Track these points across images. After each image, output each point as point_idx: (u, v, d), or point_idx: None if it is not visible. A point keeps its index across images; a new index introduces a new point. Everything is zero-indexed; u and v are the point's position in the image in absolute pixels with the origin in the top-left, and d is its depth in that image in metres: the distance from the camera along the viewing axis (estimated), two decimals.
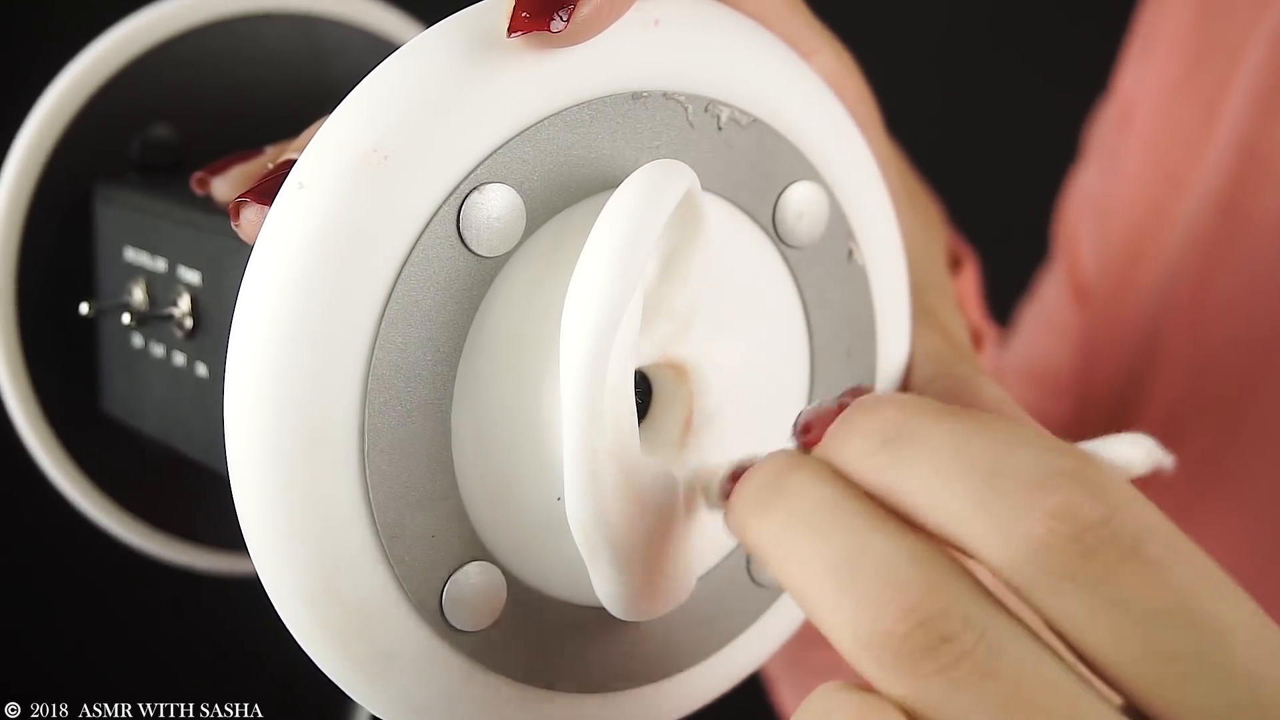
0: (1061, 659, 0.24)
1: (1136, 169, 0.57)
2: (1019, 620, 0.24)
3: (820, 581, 0.25)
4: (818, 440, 0.28)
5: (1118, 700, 0.24)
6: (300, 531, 0.28)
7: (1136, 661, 0.24)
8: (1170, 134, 0.56)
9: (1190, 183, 0.54)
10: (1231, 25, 0.54)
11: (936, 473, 0.25)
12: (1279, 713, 0.23)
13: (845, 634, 0.24)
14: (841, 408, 0.28)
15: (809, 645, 0.56)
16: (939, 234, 0.43)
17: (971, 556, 0.25)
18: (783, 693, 0.60)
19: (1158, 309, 0.53)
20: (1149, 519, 0.24)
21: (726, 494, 0.29)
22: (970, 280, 0.50)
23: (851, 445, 0.27)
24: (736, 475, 0.29)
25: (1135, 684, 0.24)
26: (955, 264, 0.46)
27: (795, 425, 0.29)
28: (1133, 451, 0.27)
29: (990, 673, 0.23)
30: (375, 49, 0.47)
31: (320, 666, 0.30)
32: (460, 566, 0.30)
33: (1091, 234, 0.59)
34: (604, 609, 0.30)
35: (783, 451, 0.28)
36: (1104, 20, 0.62)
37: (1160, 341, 0.53)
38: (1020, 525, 0.24)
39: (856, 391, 0.29)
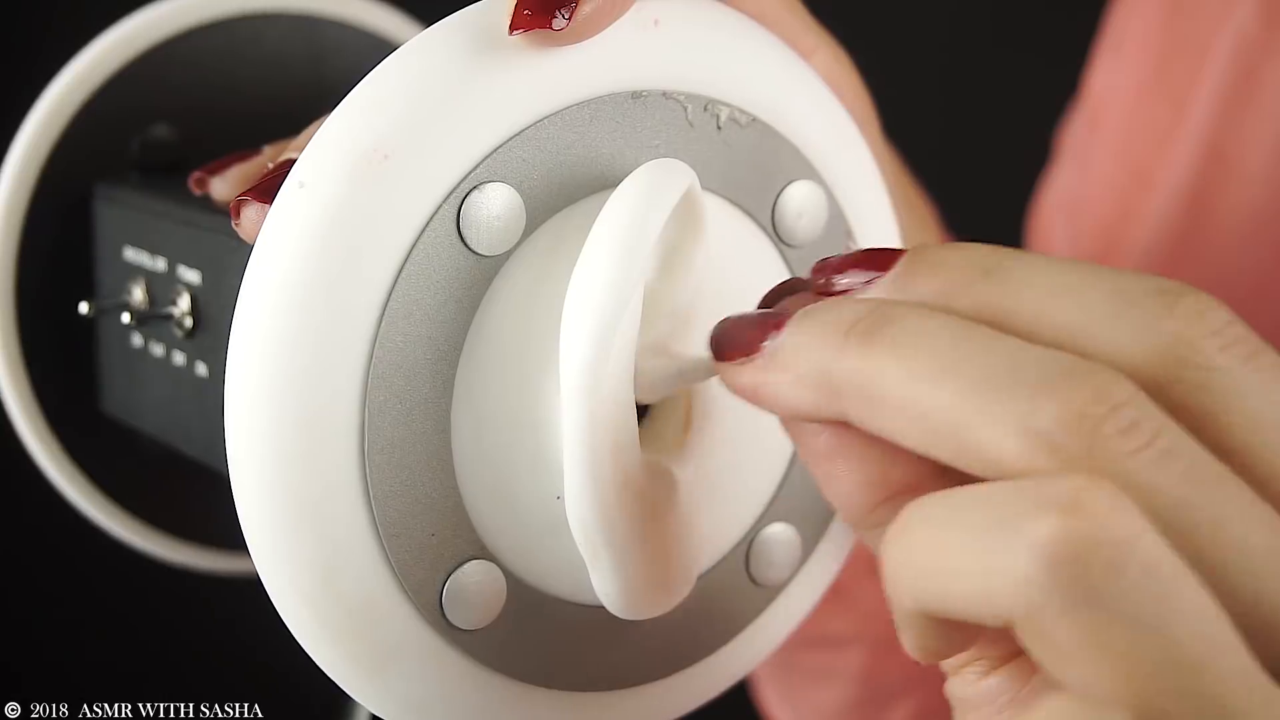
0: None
1: (1106, 168, 0.57)
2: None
3: (968, 391, 0.23)
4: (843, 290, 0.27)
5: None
6: (300, 530, 0.28)
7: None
8: (1139, 133, 0.56)
9: (1158, 181, 0.54)
10: (1199, 24, 0.55)
11: (1055, 292, 0.25)
12: None
13: (1016, 433, 0.23)
14: (861, 258, 0.27)
15: (802, 648, 0.56)
16: (933, 233, 0.43)
17: (1102, 360, 0.24)
18: (769, 696, 0.60)
19: None
20: (1253, 333, 0.25)
21: (754, 335, 0.27)
22: None
23: (943, 279, 0.26)
24: (750, 322, 0.27)
25: None
26: None
27: (789, 289, 0.28)
28: None
29: (1181, 454, 0.23)
30: (374, 49, 0.47)
31: (320, 665, 0.30)
32: (460, 565, 0.30)
33: (1064, 234, 0.59)
34: (604, 607, 0.30)
35: (839, 298, 0.27)
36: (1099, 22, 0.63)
37: None
38: (1159, 324, 0.24)
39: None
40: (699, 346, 0.32)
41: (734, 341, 0.28)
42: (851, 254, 0.28)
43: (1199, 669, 0.21)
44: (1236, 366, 0.24)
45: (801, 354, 0.26)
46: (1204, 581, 0.22)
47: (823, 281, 0.28)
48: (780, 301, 0.28)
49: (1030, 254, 0.26)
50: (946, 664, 0.28)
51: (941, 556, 0.23)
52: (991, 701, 0.27)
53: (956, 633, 0.24)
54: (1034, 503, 0.22)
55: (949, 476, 0.27)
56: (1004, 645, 0.27)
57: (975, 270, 0.26)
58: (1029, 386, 0.23)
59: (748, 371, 0.27)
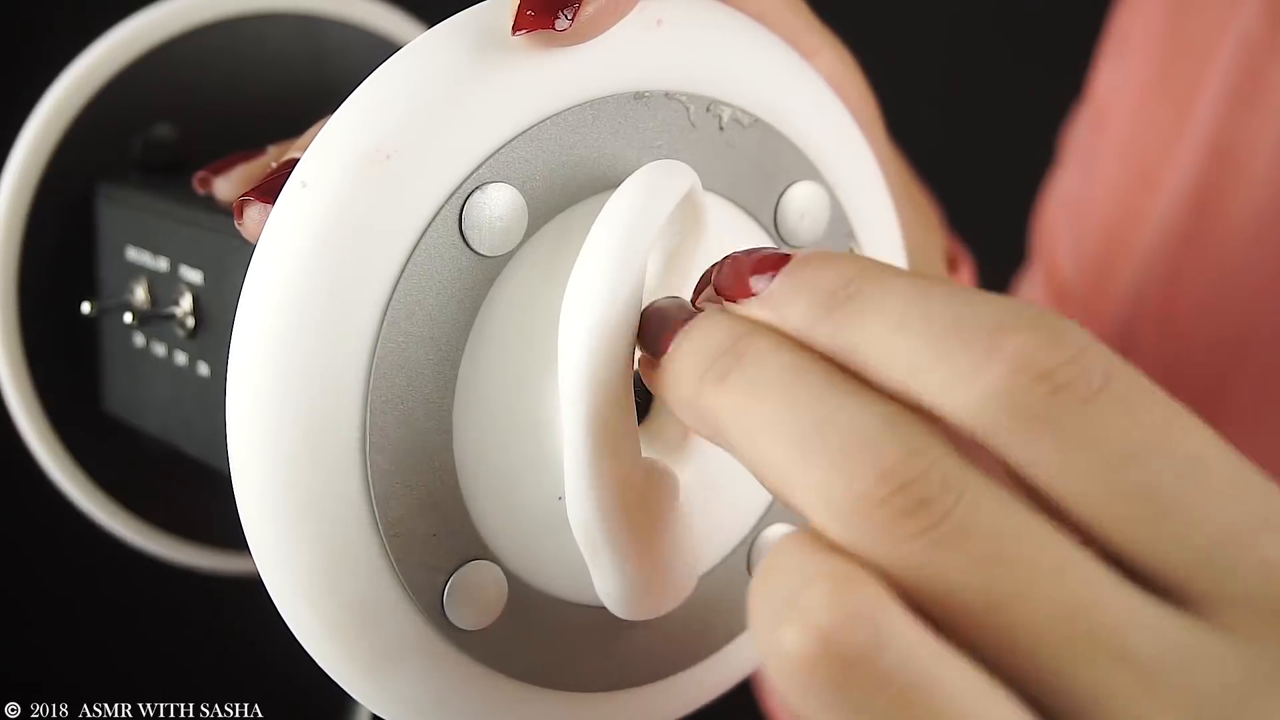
0: (1036, 512, 0.23)
1: (1111, 170, 0.57)
2: (991, 478, 0.24)
3: (788, 449, 0.24)
4: (735, 298, 0.27)
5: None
6: (302, 530, 0.28)
7: (1111, 503, 0.23)
8: (1143, 135, 0.56)
9: (1163, 183, 0.54)
10: (1202, 25, 0.55)
11: (894, 328, 0.24)
12: (1253, 544, 0.23)
13: (816, 502, 0.23)
14: (757, 262, 0.27)
15: None
16: (937, 235, 0.43)
17: (933, 411, 0.24)
18: (773, 696, 0.60)
19: (1131, 308, 0.54)
20: (1113, 360, 0.23)
21: (655, 347, 0.28)
22: (966, 281, 0.50)
23: (800, 306, 0.26)
24: (659, 326, 0.28)
25: (1109, 526, 0.23)
26: (952, 265, 0.46)
27: (709, 280, 0.28)
28: None
29: (970, 532, 0.23)
30: (376, 49, 0.47)
31: (321, 665, 0.30)
32: (461, 565, 0.30)
33: (1068, 236, 0.59)
34: (605, 608, 0.30)
35: (720, 314, 0.27)
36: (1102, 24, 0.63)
37: (1134, 340, 0.53)
38: (985, 370, 0.23)
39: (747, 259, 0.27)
40: None
41: (649, 331, 0.28)
42: (738, 256, 0.28)
43: None
44: (1062, 414, 0.23)
45: (675, 383, 0.27)
46: (974, 660, 0.22)
47: (707, 284, 0.28)
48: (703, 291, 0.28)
49: (889, 275, 0.25)
50: None
51: (751, 614, 0.24)
52: None
53: None
54: (781, 612, 0.23)
55: None
56: None
57: (832, 295, 0.25)
58: (831, 455, 0.23)
59: (653, 369, 0.28)
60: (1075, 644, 0.22)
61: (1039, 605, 0.22)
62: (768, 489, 0.25)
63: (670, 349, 0.27)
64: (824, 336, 0.25)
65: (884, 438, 0.23)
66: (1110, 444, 0.23)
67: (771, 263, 0.27)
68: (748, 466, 0.25)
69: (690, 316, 0.27)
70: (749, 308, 0.27)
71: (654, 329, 0.28)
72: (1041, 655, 0.22)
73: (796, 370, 0.25)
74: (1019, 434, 0.23)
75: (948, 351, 0.24)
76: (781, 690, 0.22)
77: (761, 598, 0.23)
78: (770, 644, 0.22)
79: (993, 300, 0.24)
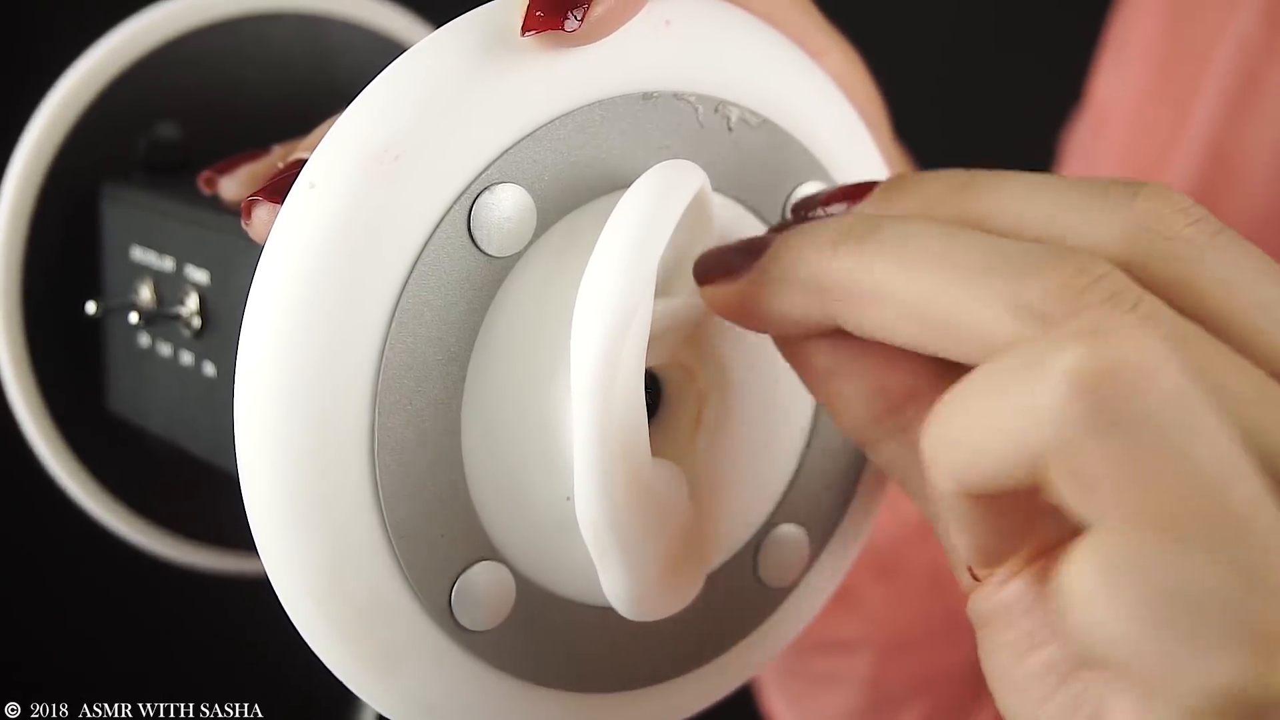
0: None
1: (1110, 173, 0.57)
2: None
3: (961, 275, 0.24)
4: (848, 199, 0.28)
5: None
6: (310, 530, 0.28)
7: (1253, 307, 0.25)
8: (1142, 138, 0.56)
9: None
10: (1201, 30, 0.55)
11: (1024, 195, 0.26)
12: None
13: (1005, 313, 0.24)
14: (839, 192, 0.28)
15: (808, 652, 0.56)
16: None
17: (1075, 247, 0.25)
18: (775, 702, 0.60)
19: None
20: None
21: (749, 248, 0.28)
22: None
23: (921, 196, 0.26)
24: (741, 244, 0.28)
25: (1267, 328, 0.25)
26: None
27: (801, 209, 0.28)
28: None
29: (1164, 318, 0.24)
30: (381, 49, 0.47)
31: (328, 665, 0.30)
32: (469, 566, 0.30)
33: None
34: (612, 609, 0.30)
35: (834, 218, 0.27)
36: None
37: None
38: (1127, 207, 0.25)
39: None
40: (708, 350, 0.32)
41: (719, 265, 0.29)
42: (829, 189, 0.29)
43: (1220, 492, 0.21)
44: (1205, 239, 0.25)
45: (790, 263, 0.27)
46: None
47: (803, 215, 0.29)
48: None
49: (998, 170, 0.27)
50: (965, 582, 0.29)
51: (973, 418, 0.23)
52: (1012, 608, 0.28)
53: (1003, 518, 0.25)
54: (1056, 341, 0.22)
55: (946, 381, 0.27)
56: (1040, 536, 0.27)
57: (950, 185, 0.27)
58: (1015, 269, 0.24)
59: (735, 287, 0.28)
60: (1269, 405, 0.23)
61: (1235, 377, 0.23)
62: (919, 335, 0.25)
63: (776, 241, 0.27)
64: (949, 213, 0.26)
65: (1058, 253, 0.24)
66: (1246, 261, 0.25)
67: (859, 189, 0.28)
68: (890, 316, 0.25)
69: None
70: (862, 207, 0.28)
71: (729, 249, 0.28)
72: (1246, 417, 0.23)
73: (940, 225, 0.25)
74: (1171, 254, 0.25)
75: (1084, 202, 0.25)
76: (1053, 417, 0.21)
77: (1008, 366, 0.22)
78: (1043, 375, 0.21)
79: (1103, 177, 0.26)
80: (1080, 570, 0.21)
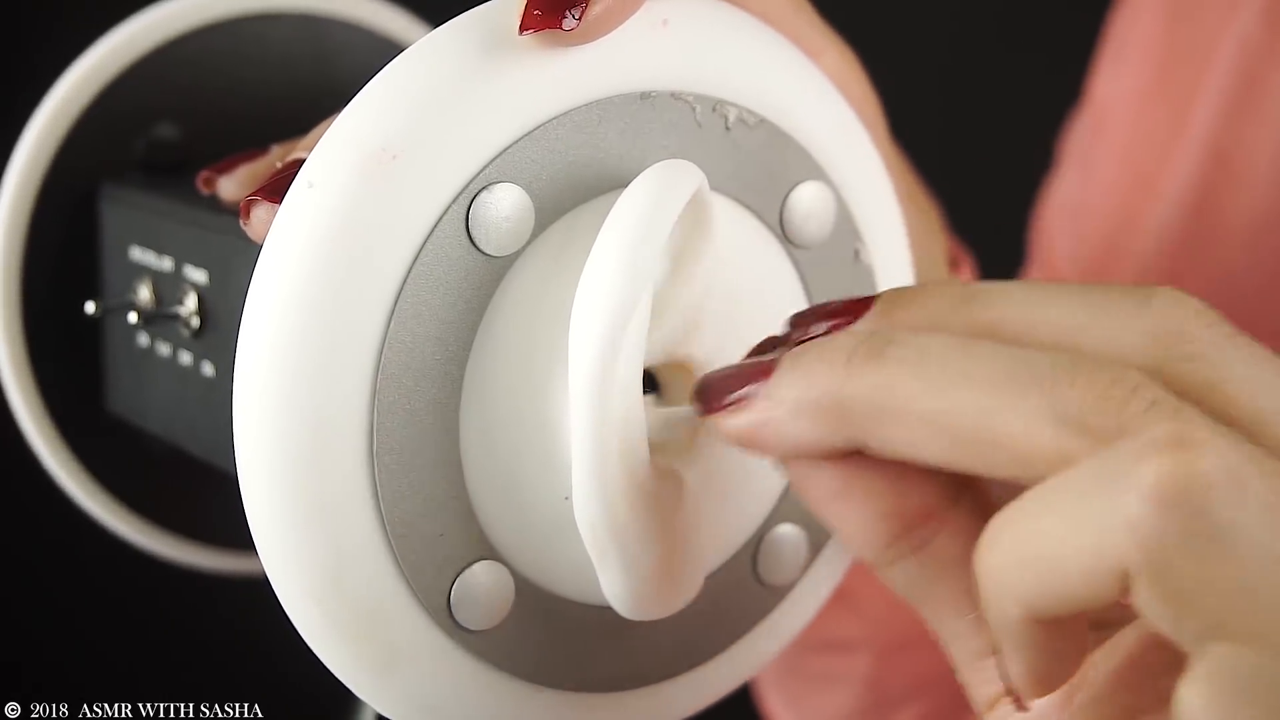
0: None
1: (1109, 174, 0.57)
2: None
3: (989, 389, 0.24)
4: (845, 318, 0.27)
5: None
6: (309, 530, 0.28)
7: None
8: (1142, 139, 0.56)
9: (1161, 187, 0.55)
10: (1200, 31, 0.55)
11: (1038, 302, 0.25)
12: None
13: (1043, 424, 0.23)
14: (841, 310, 0.27)
15: (807, 652, 0.56)
16: (939, 235, 0.43)
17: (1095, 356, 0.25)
18: (774, 702, 0.60)
19: None
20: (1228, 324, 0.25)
21: (752, 375, 0.27)
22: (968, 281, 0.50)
23: (926, 309, 0.26)
24: (741, 368, 0.27)
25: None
26: (953, 265, 0.46)
27: (798, 326, 0.28)
28: None
29: (1202, 424, 0.23)
30: (380, 49, 0.47)
31: (328, 665, 0.30)
32: (468, 566, 0.30)
33: (1067, 239, 0.59)
34: (611, 608, 0.30)
35: (840, 333, 0.27)
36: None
37: None
38: (1142, 314, 0.25)
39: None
40: (706, 349, 0.32)
41: (723, 390, 0.27)
42: (826, 304, 0.28)
43: None
44: (1223, 341, 0.25)
45: (803, 385, 0.26)
46: None
47: (800, 333, 0.28)
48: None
49: (999, 281, 0.26)
50: (980, 701, 0.28)
51: (1044, 539, 0.22)
52: None
53: (1065, 642, 0.24)
54: (1132, 454, 0.21)
55: (963, 501, 0.27)
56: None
57: (955, 297, 0.26)
58: (1048, 378, 0.23)
59: (744, 414, 0.27)
60: None
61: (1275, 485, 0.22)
62: (950, 452, 0.24)
63: (784, 363, 0.26)
64: (959, 325, 0.26)
65: (1089, 362, 0.24)
66: (1269, 360, 0.25)
67: (858, 305, 0.27)
68: (919, 433, 0.24)
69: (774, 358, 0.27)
70: (865, 323, 0.27)
71: (732, 373, 0.27)
72: None
73: (957, 337, 0.25)
74: (1195, 357, 0.24)
75: (1098, 309, 0.25)
76: (1141, 530, 0.21)
77: (1079, 482, 0.22)
78: (1124, 489, 0.21)
79: (1108, 283, 0.26)
80: (1197, 696, 0.20)
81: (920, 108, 0.71)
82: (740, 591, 0.34)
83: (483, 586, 0.30)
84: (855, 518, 0.27)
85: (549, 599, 0.31)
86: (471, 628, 0.30)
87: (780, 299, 0.33)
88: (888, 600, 0.55)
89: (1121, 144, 0.57)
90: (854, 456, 0.26)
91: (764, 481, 0.33)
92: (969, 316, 0.26)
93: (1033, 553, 0.23)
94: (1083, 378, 0.23)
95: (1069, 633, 0.24)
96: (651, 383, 0.32)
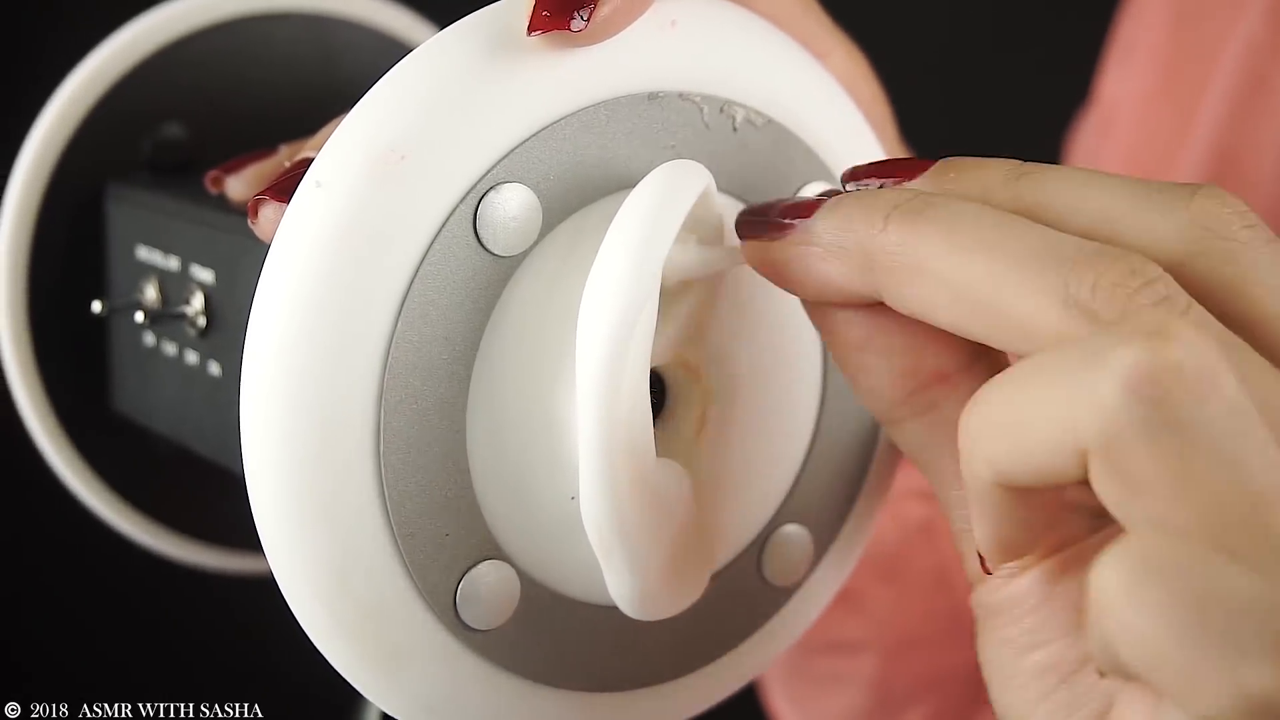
0: None
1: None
2: None
3: (1012, 264, 0.24)
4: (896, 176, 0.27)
5: None
6: (315, 529, 0.28)
7: None
8: (1148, 139, 0.56)
9: None
10: (1207, 32, 0.55)
11: (1081, 185, 0.26)
12: None
13: (1054, 304, 0.23)
14: (892, 165, 0.28)
15: (813, 653, 0.56)
16: None
17: (1127, 245, 0.25)
18: (780, 702, 0.60)
19: None
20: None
21: (795, 212, 0.27)
22: None
23: (977, 179, 0.26)
24: (787, 204, 0.28)
25: None
26: None
27: (852, 178, 0.28)
28: None
29: (1210, 325, 0.23)
30: (386, 49, 0.47)
31: (333, 664, 0.30)
32: (474, 565, 0.30)
33: None
34: (617, 608, 0.30)
35: (883, 188, 0.27)
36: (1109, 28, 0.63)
37: None
38: (1184, 206, 0.25)
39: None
40: (713, 349, 0.32)
41: (763, 221, 0.28)
42: (883, 160, 0.29)
43: (1269, 504, 0.21)
44: (1259, 244, 0.25)
45: (838, 228, 0.27)
46: None
47: (854, 186, 0.28)
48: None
49: (1055, 165, 0.27)
50: (972, 571, 0.28)
51: (1019, 407, 0.23)
52: (1019, 604, 0.27)
53: (1032, 513, 0.24)
54: (1114, 339, 0.22)
55: (978, 367, 0.28)
56: (1056, 533, 0.27)
57: (1006, 173, 0.26)
58: (1067, 260, 0.24)
59: (778, 245, 0.28)
60: None
61: (1274, 391, 0.23)
62: (963, 317, 0.25)
63: (825, 205, 0.27)
64: (1005, 199, 0.26)
65: (1111, 251, 0.24)
66: None
67: (914, 165, 0.27)
68: (936, 295, 0.25)
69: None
70: (916, 183, 0.27)
71: (775, 205, 0.28)
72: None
73: (994, 210, 0.25)
74: (1224, 254, 0.24)
75: (1140, 199, 0.25)
76: (1107, 412, 0.21)
77: (1064, 357, 0.22)
78: (1100, 368, 0.21)
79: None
80: (1114, 571, 0.21)
81: (929, 108, 0.71)
82: (745, 591, 0.34)
83: (488, 586, 0.30)
84: (873, 371, 0.28)
85: (555, 599, 0.31)
86: (477, 627, 0.30)
87: (786, 298, 0.33)
88: (893, 601, 0.55)
89: (1128, 144, 0.57)
90: (878, 310, 0.27)
91: (770, 481, 0.33)
92: (1015, 192, 0.26)
93: (1006, 418, 0.23)
94: (1102, 264, 0.24)
95: (1036, 504, 0.24)
96: (658, 383, 0.32)
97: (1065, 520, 0.27)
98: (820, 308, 0.28)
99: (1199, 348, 0.21)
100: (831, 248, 0.27)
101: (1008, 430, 0.23)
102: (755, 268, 0.28)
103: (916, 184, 0.28)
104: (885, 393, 0.28)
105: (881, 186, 0.28)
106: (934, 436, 0.28)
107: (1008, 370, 0.23)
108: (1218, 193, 0.25)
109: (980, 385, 0.27)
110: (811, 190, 0.33)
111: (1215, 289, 0.25)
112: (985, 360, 0.28)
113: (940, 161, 0.28)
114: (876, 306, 0.27)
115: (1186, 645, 0.20)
